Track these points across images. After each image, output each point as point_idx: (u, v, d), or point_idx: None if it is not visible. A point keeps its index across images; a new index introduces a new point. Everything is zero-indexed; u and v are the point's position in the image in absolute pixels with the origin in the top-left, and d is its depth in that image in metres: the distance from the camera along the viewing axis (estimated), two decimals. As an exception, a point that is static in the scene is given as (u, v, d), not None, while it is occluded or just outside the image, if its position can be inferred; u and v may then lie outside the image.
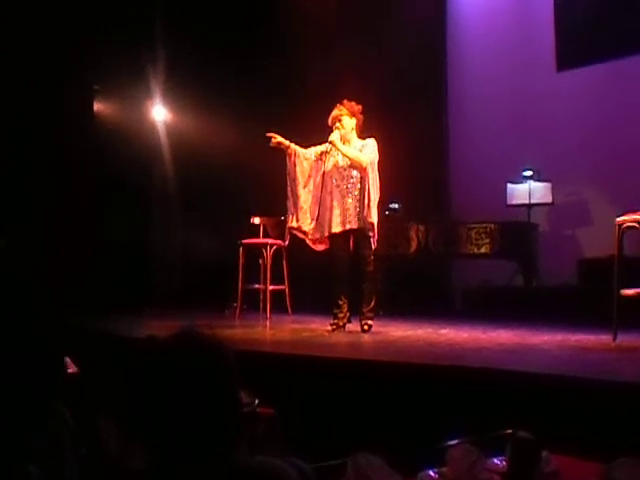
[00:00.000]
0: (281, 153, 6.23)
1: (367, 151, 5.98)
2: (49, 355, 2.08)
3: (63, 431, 2.07)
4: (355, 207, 5.96)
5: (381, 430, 3.46)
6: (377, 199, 6.00)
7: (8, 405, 1.92)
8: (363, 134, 6.13)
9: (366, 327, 6.01)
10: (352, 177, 6.01)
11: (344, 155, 6.00)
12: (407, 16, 9.69)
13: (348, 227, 6.00)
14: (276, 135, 6.14)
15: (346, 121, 6.04)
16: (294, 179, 6.15)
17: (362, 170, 5.94)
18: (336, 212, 6.00)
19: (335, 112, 6.06)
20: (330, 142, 6.01)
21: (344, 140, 6.03)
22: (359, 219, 5.95)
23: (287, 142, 6.15)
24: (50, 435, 1.99)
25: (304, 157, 6.15)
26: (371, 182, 5.93)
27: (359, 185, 5.97)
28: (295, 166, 6.15)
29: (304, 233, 6.19)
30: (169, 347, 1.76)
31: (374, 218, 5.91)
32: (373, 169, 5.97)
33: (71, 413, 2.25)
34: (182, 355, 1.72)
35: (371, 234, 5.94)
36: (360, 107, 6.10)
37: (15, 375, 1.97)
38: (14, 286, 2.00)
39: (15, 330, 1.95)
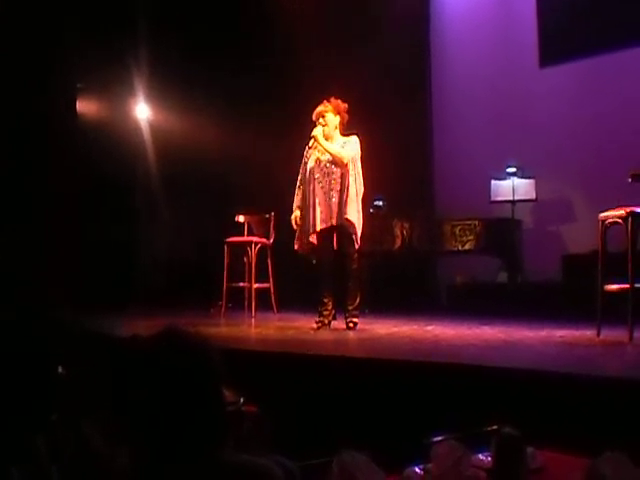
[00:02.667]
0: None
1: (348, 148, 5.98)
2: (43, 360, 2.07)
3: (48, 435, 2.06)
4: (337, 204, 5.95)
5: (366, 427, 3.46)
6: (360, 196, 5.99)
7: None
8: (347, 131, 6.13)
9: (351, 324, 6.01)
10: (333, 173, 5.99)
11: (325, 150, 5.99)
12: (391, 15, 9.71)
13: (330, 224, 5.99)
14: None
15: (330, 118, 6.03)
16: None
17: (343, 166, 5.93)
18: (319, 209, 5.99)
19: (320, 108, 6.05)
20: (312, 137, 6.00)
21: (327, 137, 6.02)
22: (339, 216, 5.94)
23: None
24: (34, 439, 1.98)
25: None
26: (351, 179, 5.93)
27: (340, 181, 5.97)
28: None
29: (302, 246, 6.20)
30: (152, 346, 1.75)
31: (352, 215, 5.89)
32: (355, 166, 5.97)
33: (57, 414, 2.24)
34: (165, 354, 1.72)
35: (352, 231, 5.93)
36: (346, 105, 6.08)
37: (6, 380, 1.96)
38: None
39: (10, 333, 1.94)
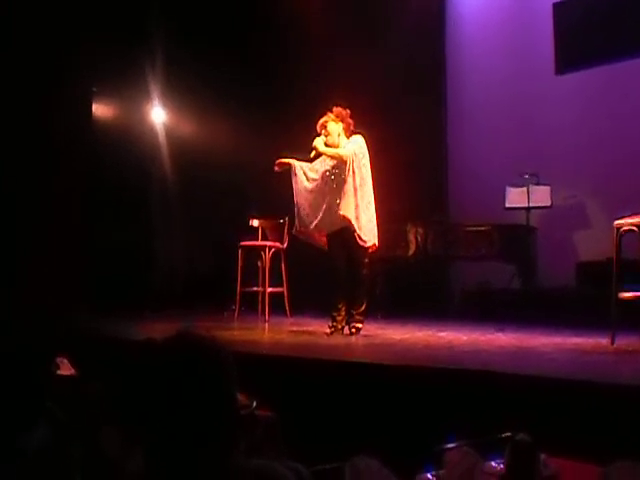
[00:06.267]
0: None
1: (349, 146, 5.95)
2: (38, 356, 2.08)
3: (54, 432, 2.07)
4: (336, 205, 5.92)
5: (379, 433, 3.46)
6: (361, 191, 5.88)
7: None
8: (355, 133, 6.09)
9: (354, 330, 5.92)
10: (337, 175, 5.99)
11: (326, 155, 6.00)
12: (407, 21, 9.72)
13: (336, 227, 5.96)
14: (282, 160, 6.19)
15: (332, 127, 6.00)
16: (295, 191, 6.18)
17: (343, 163, 5.90)
18: (327, 213, 5.98)
19: (322, 119, 6.05)
20: (313, 147, 6.01)
21: (332, 147, 5.99)
22: (339, 216, 5.89)
23: (289, 161, 6.20)
24: (41, 436, 1.99)
25: (305, 170, 6.17)
26: (349, 173, 5.86)
27: (340, 180, 5.94)
28: (295, 182, 6.18)
29: (302, 232, 6.20)
30: (166, 349, 1.76)
31: (347, 211, 5.81)
32: (354, 160, 5.88)
33: (69, 416, 2.25)
34: (179, 357, 1.72)
35: (353, 228, 5.82)
36: (348, 111, 6.06)
37: (6, 374, 1.97)
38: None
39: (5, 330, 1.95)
